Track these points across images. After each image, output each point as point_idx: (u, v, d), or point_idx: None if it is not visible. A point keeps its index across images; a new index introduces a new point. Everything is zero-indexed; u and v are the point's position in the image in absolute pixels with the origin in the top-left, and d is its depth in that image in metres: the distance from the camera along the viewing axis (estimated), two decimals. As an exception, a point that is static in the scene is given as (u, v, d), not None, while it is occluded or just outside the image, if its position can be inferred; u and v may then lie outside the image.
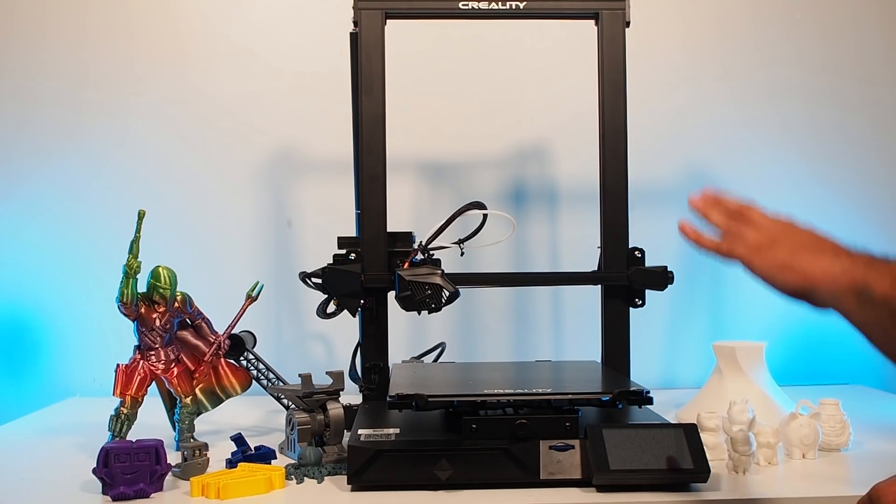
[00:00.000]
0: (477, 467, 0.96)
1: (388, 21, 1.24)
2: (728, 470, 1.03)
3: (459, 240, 1.25)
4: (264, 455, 1.10)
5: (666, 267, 1.25)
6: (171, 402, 1.24)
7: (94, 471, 0.95)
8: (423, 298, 1.12)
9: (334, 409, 1.13)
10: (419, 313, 1.14)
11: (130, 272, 1.15)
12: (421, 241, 1.19)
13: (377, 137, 1.23)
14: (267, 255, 1.70)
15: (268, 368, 1.30)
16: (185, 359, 1.22)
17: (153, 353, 1.18)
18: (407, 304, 1.13)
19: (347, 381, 1.19)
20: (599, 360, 1.29)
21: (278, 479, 0.99)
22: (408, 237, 1.24)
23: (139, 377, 1.17)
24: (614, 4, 1.26)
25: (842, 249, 0.76)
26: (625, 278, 1.25)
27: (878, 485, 0.73)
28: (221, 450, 1.13)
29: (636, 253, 1.26)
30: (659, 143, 1.71)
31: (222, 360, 1.26)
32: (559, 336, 1.73)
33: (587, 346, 1.46)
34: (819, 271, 0.74)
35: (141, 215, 1.17)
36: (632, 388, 1.02)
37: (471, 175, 1.71)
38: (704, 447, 0.97)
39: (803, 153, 1.75)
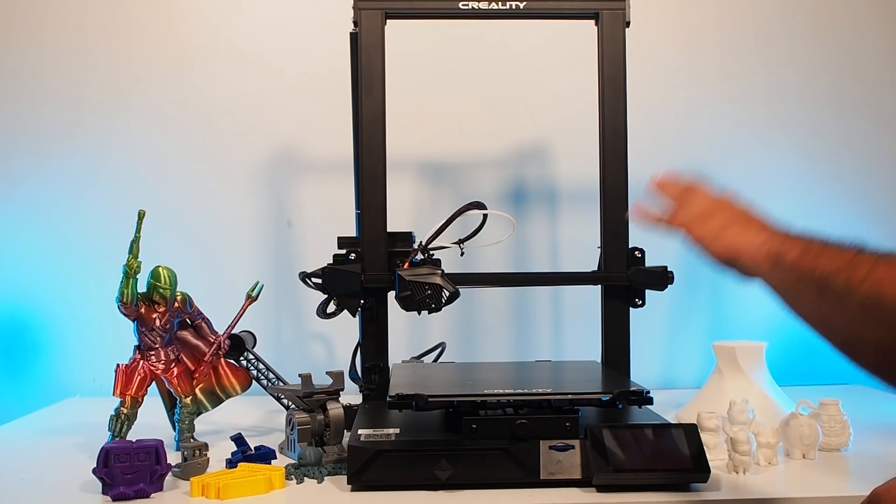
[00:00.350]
0: (477, 467, 0.96)
1: (388, 21, 1.24)
2: (728, 470, 1.03)
3: (459, 240, 1.25)
4: (264, 455, 1.10)
5: (666, 267, 1.25)
6: (171, 402, 1.24)
7: (94, 471, 0.95)
8: (423, 298, 1.12)
9: (334, 409, 1.13)
10: (419, 313, 1.14)
11: (130, 272, 1.15)
12: (421, 241, 1.19)
13: (377, 137, 1.23)
14: (267, 255, 1.70)
15: (268, 368, 1.30)
16: (185, 359, 1.22)
17: (153, 353, 1.18)
18: (407, 304, 1.13)
19: (347, 381, 1.19)
20: (599, 360, 1.29)
21: (278, 479, 0.99)
22: (408, 237, 1.24)
23: (139, 377, 1.17)
24: (614, 4, 1.26)
25: (766, 226, 0.86)
26: (625, 278, 1.25)
27: (877, 488, 0.73)
28: (221, 450, 1.13)
29: (636, 253, 1.26)
30: (659, 143, 1.71)
31: (222, 360, 1.26)
32: (559, 336, 1.73)
33: (587, 346, 1.46)
34: (743, 242, 0.84)
35: (141, 215, 1.17)
36: (632, 388, 1.02)
37: (471, 175, 1.71)
38: (704, 447, 0.97)
39: (802, 153, 1.75)
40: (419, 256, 1.18)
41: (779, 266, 0.78)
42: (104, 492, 0.95)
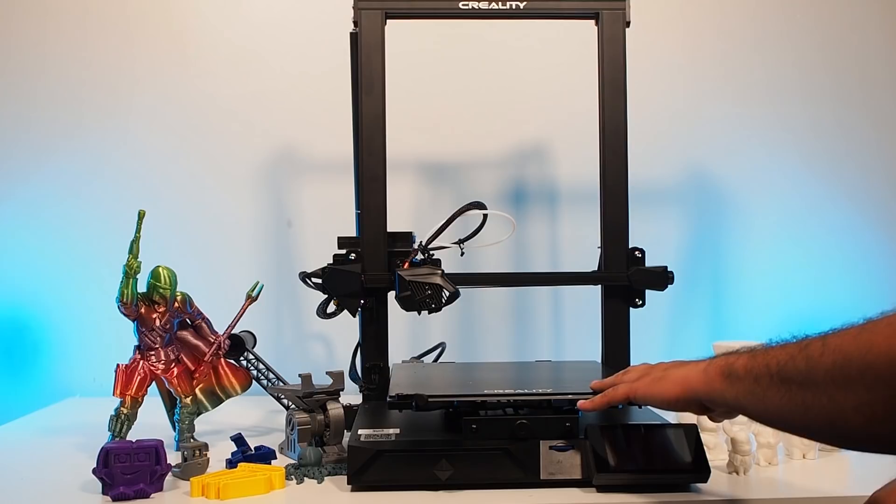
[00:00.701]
0: (477, 467, 0.96)
1: (388, 21, 1.24)
2: (728, 470, 1.03)
3: (459, 240, 1.25)
4: (264, 455, 1.10)
5: (666, 267, 1.25)
6: (171, 402, 1.24)
7: (94, 471, 0.95)
8: (423, 298, 1.12)
9: (334, 409, 1.13)
10: (419, 313, 1.14)
11: (130, 272, 1.15)
12: (421, 241, 1.19)
13: (377, 137, 1.23)
14: (267, 255, 1.70)
15: (268, 368, 1.30)
16: (185, 359, 1.22)
17: (153, 353, 1.18)
18: (407, 304, 1.12)
19: (347, 381, 1.19)
20: (599, 360, 1.29)
21: (278, 479, 0.99)
22: (408, 237, 1.23)
23: (139, 377, 1.16)
24: (614, 4, 1.26)
25: (699, 360, 0.88)
26: (625, 278, 1.25)
27: (877, 492, 0.73)
28: (221, 450, 1.13)
29: (636, 253, 1.26)
30: (659, 143, 1.71)
31: (222, 360, 1.26)
32: (559, 336, 1.73)
33: (587, 346, 1.46)
34: (687, 372, 0.86)
35: (141, 215, 1.17)
36: (632, 388, 1.02)
37: (471, 175, 1.71)
38: (704, 447, 0.97)
39: (803, 153, 1.75)
40: (419, 256, 1.18)
41: (733, 377, 0.78)
42: (104, 492, 0.95)
